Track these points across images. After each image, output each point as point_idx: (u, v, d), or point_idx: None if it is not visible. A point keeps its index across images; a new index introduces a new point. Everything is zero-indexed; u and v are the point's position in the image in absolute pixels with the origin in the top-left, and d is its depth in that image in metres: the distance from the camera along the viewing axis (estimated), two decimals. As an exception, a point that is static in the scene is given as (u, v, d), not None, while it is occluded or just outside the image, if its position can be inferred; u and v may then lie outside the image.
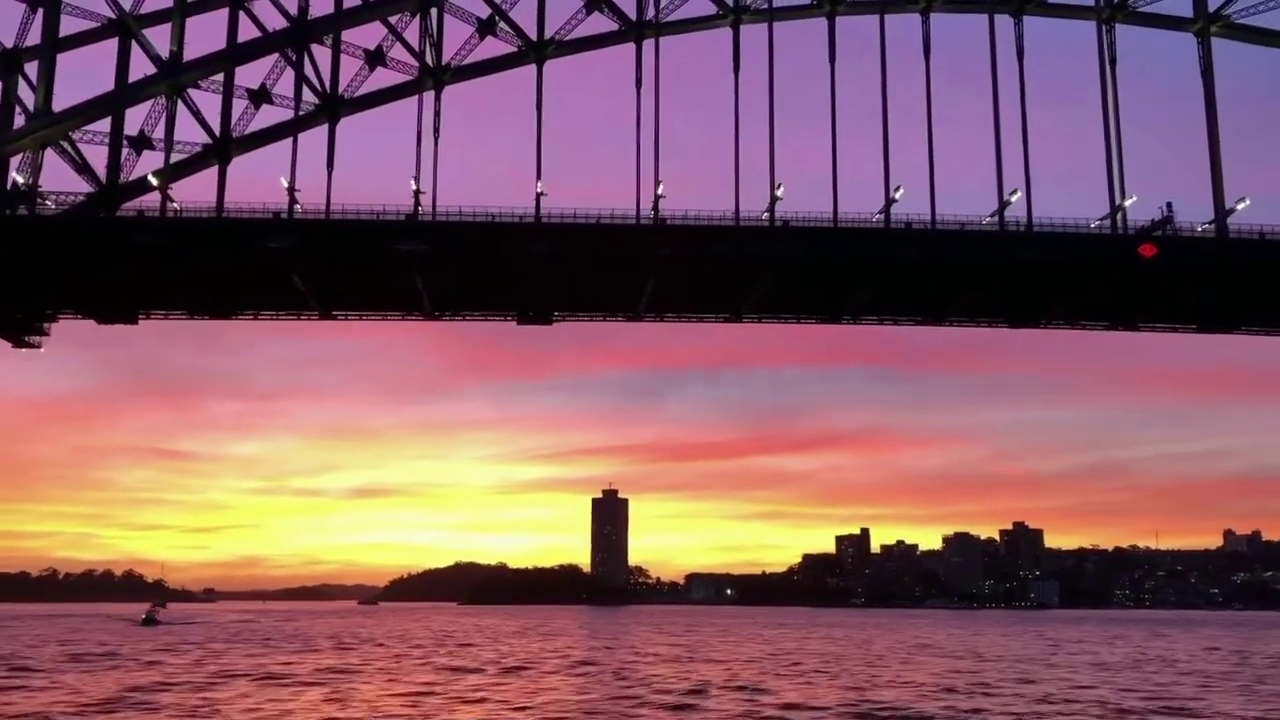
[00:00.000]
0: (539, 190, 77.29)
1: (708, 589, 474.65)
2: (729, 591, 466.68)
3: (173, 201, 77.93)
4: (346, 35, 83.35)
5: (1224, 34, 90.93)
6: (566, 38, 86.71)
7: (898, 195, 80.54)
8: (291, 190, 77.39)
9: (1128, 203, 79.44)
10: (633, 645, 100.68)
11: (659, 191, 79.06)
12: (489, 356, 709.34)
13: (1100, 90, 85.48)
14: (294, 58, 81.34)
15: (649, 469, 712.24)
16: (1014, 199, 79.75)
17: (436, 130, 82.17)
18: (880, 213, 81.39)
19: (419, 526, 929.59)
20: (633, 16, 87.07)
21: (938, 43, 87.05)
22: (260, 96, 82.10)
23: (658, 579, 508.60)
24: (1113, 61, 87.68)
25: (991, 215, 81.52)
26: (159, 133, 79.77)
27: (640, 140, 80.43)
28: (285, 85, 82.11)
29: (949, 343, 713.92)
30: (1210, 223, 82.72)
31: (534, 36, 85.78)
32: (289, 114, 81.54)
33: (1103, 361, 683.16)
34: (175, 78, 78.37)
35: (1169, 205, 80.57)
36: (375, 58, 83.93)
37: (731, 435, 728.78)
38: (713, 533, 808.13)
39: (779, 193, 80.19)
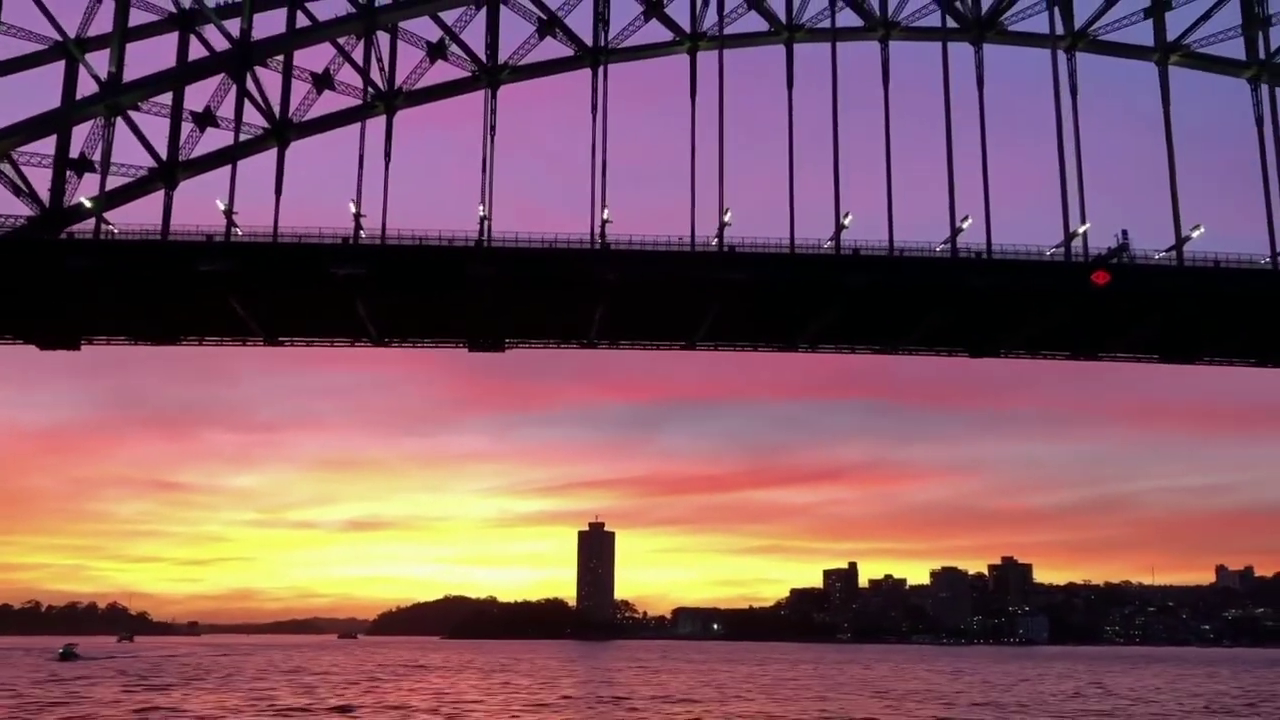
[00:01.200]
0: (481, 214, 76.22)
1: (694, 624, 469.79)
2: (715, 626, 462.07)
3: (109, 225, 76.68)
4: (296, 59, 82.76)
5: (1184, 63, 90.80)
6: (520, 62, 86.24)
7: (847, 221, 79.53)
8: (229, 213, 76.00)
9: (1082, 229, 78.47)
10: (559, 684, 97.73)
11: (605, 216, 77.98)
12: (489, 388, 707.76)
13: (1055, 118, 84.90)
14: (237, 81, 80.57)
15: (644, 502, 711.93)
16: (966, 225, 78.90)
17: (388, 154, 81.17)
18: (831, 239, 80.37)
19: (414, 560, 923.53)
20: (589, 42, 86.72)
21: (899, 70, 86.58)
22: (205, 120, 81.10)
23: (645, 613, 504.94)
24: (1073, 90, 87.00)
25: (944, 242, 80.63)
26: (101, 155, 78.81)
27: (595, 165, 79.95)
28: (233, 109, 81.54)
29: (943, 376, 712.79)
30: (1169, 250, 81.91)
31: (487, 61, 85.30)
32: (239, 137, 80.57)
33: (1100, 396, 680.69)
34: (114, 99, 77.21)
35: (1124, 233, 79.78)
36: (323, 81, 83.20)
37: (726, 469, 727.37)
38: (704, 567, 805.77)
39: (727, 219, 79.07)
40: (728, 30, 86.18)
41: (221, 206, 74.72)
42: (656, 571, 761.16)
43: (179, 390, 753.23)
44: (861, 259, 77.69)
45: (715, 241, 79.46)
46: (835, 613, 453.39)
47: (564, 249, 75.27)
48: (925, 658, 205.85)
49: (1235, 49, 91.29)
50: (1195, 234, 79.03)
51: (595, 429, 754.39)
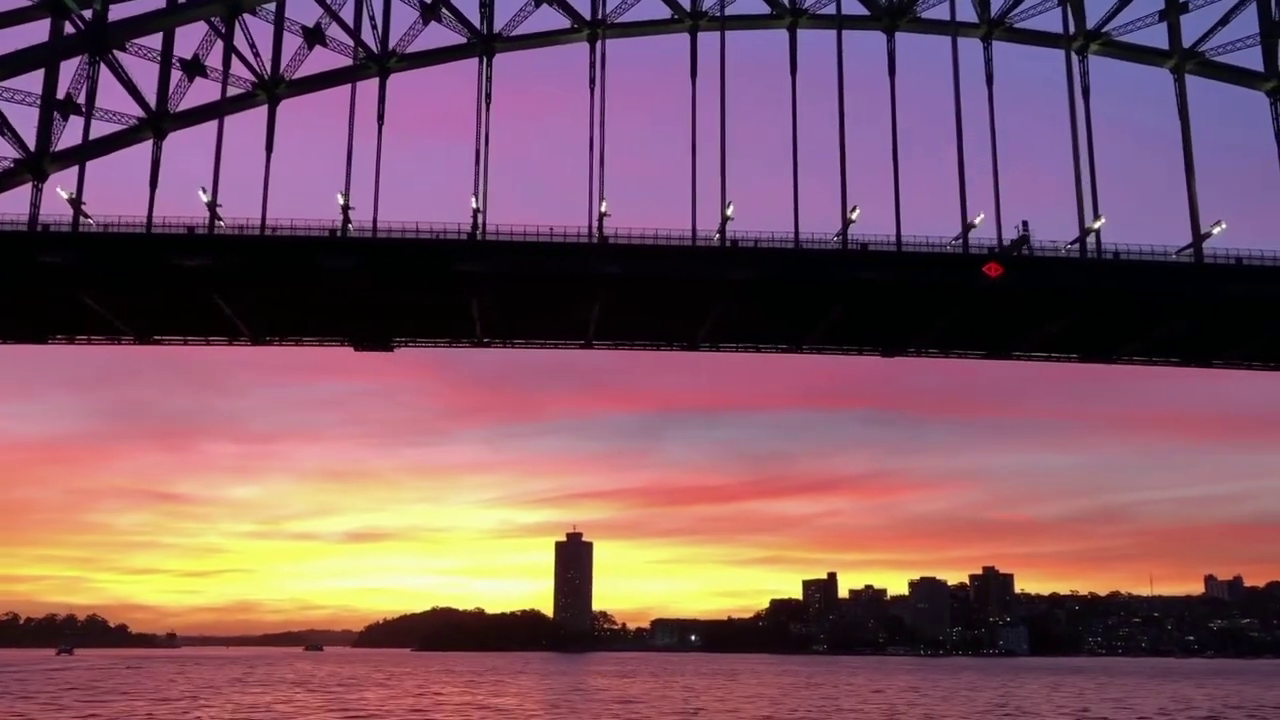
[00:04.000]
0: (341, 203, 72.27)
1: (672, 636, 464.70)
2: (693, 638, 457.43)
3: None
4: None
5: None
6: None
7: (854, 216, 75.09)
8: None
9: (976, 220, 74.64)
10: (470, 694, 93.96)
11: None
12: (488, 399, 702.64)
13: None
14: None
15: (641, 513, 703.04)
16: (855, 216, 74.88)
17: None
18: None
19: (413, 571, 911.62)
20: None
21: (905, 63, 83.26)
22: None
23: (623, 625, 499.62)
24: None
25: (956, 239, 76.03)
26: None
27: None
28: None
29: (946, 385, 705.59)
30: (1073, 243, 78.26)
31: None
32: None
33: (1101, 405, 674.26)
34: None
35: (1024, 224, 76.00)
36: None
37: (723, 480, 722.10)
38: (699, 579, 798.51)
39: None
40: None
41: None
42: (646, 583, 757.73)
43: (177, 401, 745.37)
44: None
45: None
46: (813, 624, 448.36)
47: (428, 240, 71.30)
48: (884, 669, 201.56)
49: (1153, 37, 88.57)
50: (1098, 224, 75.28)
51: (594, 439, 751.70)
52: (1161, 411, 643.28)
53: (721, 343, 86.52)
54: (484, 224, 75.10)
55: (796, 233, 76.23)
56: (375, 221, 74.53)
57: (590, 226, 74.78)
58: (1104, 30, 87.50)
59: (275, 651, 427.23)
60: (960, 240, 75.70)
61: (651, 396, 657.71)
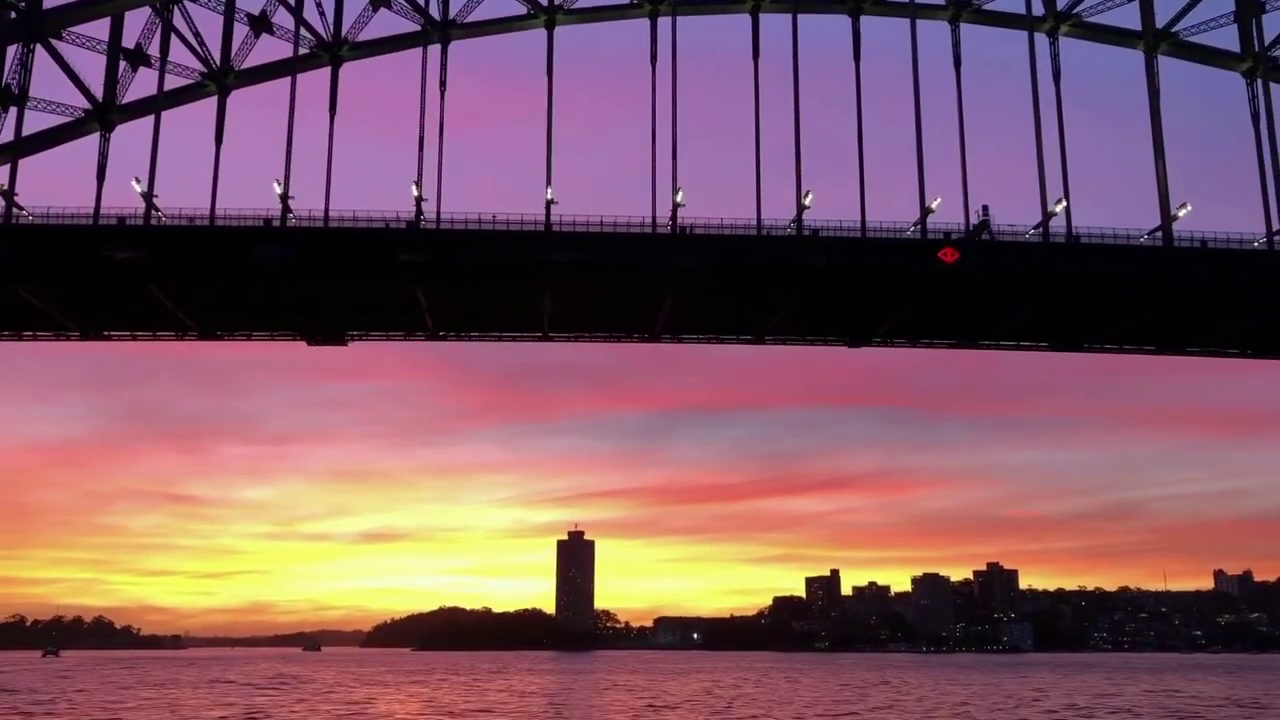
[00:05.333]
0: (280, 191, 70.62)
1: (674, 634, 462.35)
2: (695, 636, 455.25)
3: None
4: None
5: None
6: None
7: (808, 201, 73.41)
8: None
9: (934, 204, 72.56)
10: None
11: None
12: (500, 399, 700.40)
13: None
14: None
15: (653, 511, 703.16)
16: (809, 201, 72.95)
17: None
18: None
19: (427, 571, 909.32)
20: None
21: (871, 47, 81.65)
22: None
23: (626, 623, 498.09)
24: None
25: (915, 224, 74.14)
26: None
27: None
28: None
29: (955, 382, 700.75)
30: (1036, 227, 76.13)
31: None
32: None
33: (1113, 400, 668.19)
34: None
35: (984, 208, 73.95)
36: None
37: (728, 479, 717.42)
38: (700, 576, 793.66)
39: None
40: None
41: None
42: (657, 581, 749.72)
43: (191, 403, 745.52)
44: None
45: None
46: (815, 621, 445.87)
47: (368, 229, 69.67)
48: (872, 666, 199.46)
49: (1123, 17, 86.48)
50: (1058, 208, 73.15)
51: (606, 438, 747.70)
52: (1175, 407, 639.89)
53: (682, 333, 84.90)
54: (439, 212, 73.64)
55: (759, 219, 74.41)
56: (327, 212, 73.23)
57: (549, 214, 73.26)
58: (1075, 11, 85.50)
59: (274, 652, 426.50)
60: (918, 226, 73.76)
61: (664, 395, 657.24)
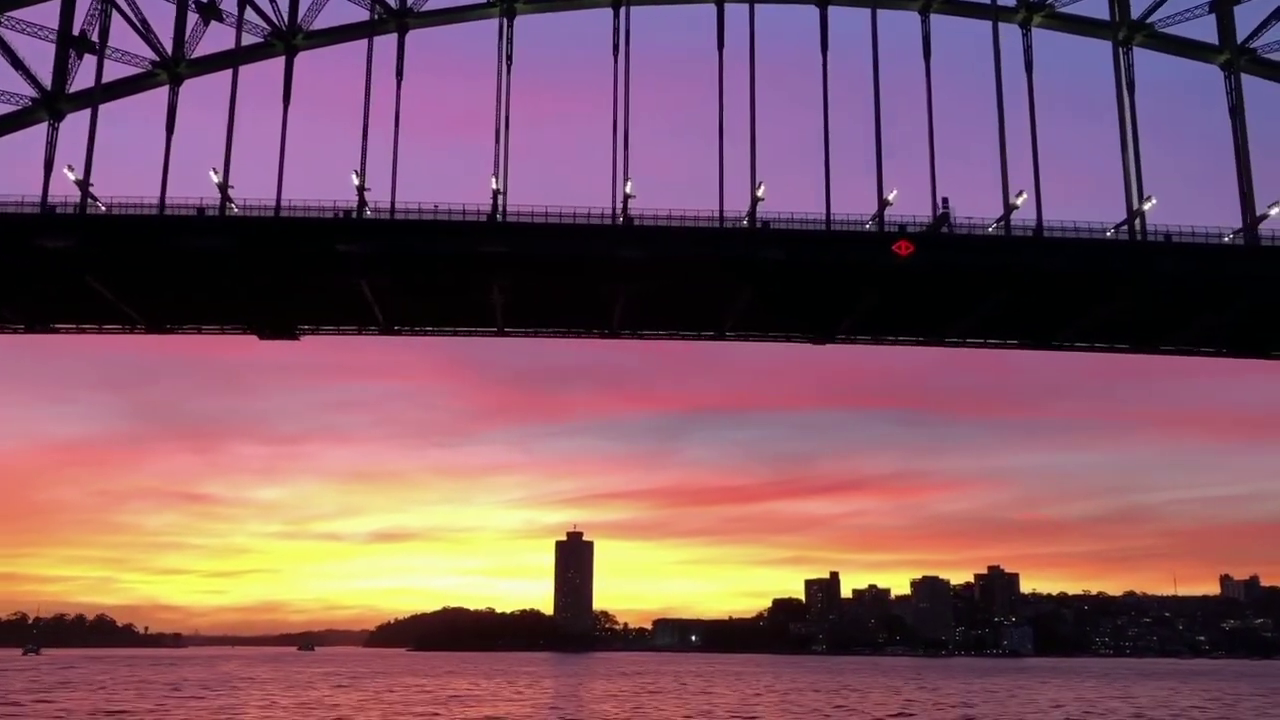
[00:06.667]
0: (217, 181, 69.09)
1: (673, 635, 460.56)
2: (694, 638, 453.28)
3: None
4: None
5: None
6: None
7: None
8: (84, 185, 68.94)
9: (890, 196, 70.52)
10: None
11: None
12: (513, 399, 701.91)
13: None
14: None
15: (662, 514, 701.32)
16: (766, 195, 71.04)
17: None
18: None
19: (438, 571, 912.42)
20: (393, 4, 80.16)
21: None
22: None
23: (625, 625, 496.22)
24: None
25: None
26: None
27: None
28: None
29: (968, 385, 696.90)
30: (999, 220, 74.10)
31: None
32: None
33: (1129, 404, 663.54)
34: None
35: (944, 201, 71.93)
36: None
37: (738, 481, 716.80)
38: (707, 579, 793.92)
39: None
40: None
41: (72, 177, 68.22)
42: (664, 584, 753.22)
43: (204, 403, 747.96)
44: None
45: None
46: (813, 623, 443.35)
47: (304, 219, 68.11)
48: (857, 669, 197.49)
49: (1092, 8, 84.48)
50: (1019, 200, 71.10)
51: (618, 439, 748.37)
52: (1188, 410, 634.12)
53: (641, 328, 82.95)
54: (393, 203, 71.92)
55: (721, 211, 72.37)
56: (279, 202, 71.62)
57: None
58: (1047, 2, 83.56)
59: (268, 651, 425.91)
60: (876, 219, 71.88)
61: (679, 397, 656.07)
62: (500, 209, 70.34)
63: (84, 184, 68.49)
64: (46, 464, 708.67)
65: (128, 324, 78.45)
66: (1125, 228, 74.84)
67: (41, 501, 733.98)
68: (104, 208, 70.07)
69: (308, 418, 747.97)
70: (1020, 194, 71.00)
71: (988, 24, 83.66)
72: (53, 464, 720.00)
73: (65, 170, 67.67)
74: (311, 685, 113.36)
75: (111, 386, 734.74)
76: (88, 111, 73.89)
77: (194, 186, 72.42)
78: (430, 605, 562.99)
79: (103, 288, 70.54)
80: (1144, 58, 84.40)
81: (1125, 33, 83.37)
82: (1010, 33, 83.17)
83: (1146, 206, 71.74)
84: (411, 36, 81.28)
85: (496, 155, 71.47)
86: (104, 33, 73.31)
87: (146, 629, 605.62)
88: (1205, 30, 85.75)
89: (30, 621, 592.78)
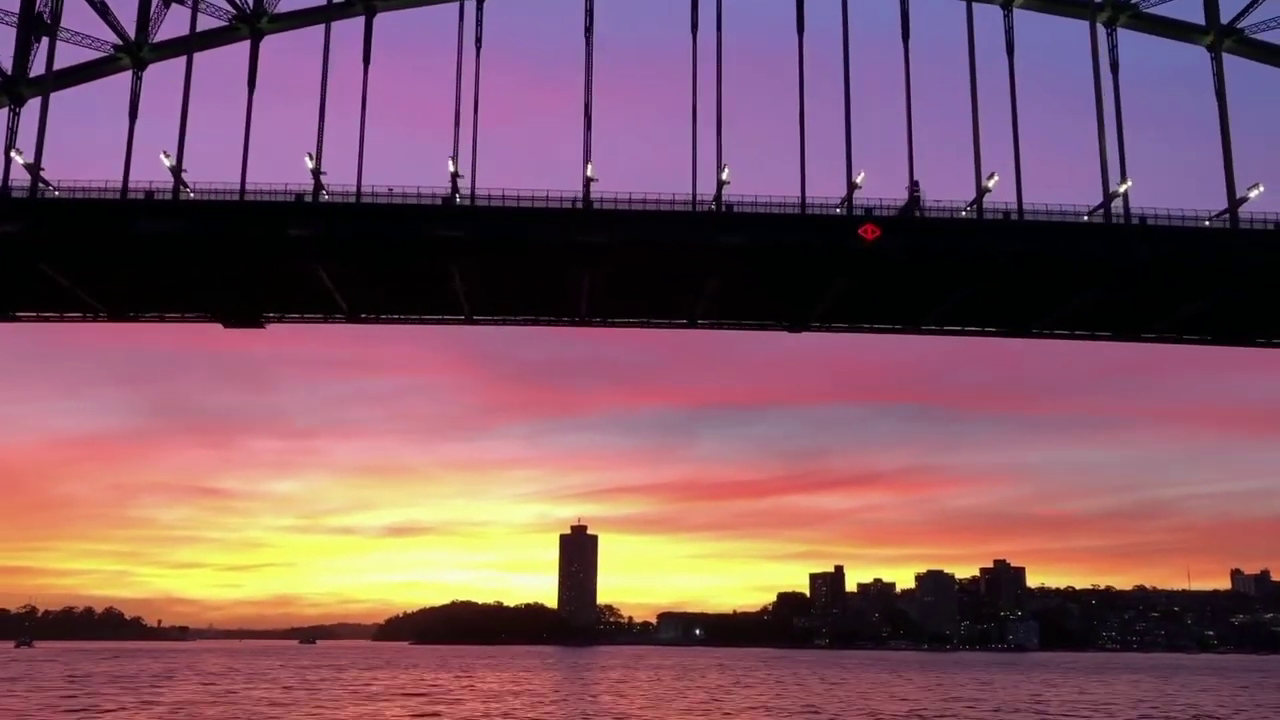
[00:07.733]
0: (169, 164, 67.72)
1: (676, 629, 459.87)
2: (698, 632, 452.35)
3: None
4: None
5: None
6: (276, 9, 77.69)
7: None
8: (34, 169, 67.50)
9: (858, 178, 68.66)
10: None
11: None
12: (526, 394, 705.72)
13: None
14: None
15: (678, 508, 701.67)
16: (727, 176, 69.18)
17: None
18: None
19: (448, 565, 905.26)
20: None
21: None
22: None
23: (629, 618, 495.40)
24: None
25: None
26: None
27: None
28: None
29: (981, 380, 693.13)
30: (971, 204, 72.18)
31: None
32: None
33: (1141, 398, 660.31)
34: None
35: (915, 184, 69.99)
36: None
37: (749, 476, 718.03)
38: (717, 573, 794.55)
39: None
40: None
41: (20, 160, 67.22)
42: (674, 578, 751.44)
43: (219, 397, 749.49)
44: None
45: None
46: (817, 617, 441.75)
47: (255, 203, 66.66)
48: (851, 665, 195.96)
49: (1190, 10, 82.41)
50: (991, 183, 69.21)
51: (632, 434, 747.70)
52: (1202, 405, 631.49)
53: (610, 316, 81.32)
54: (358, 187, 70.45)
55: (694, 195, 70.60)
56: (243, 186, 70.19)
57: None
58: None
59: (270, 645, 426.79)
60: (844, 202, 70.10)
61: (692, 391, 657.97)
62: (459, 192, 68.76)
63: (34, 168, 67.29)
64: (60, 459, 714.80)
65: (89, 312, 77.20)
66: (1101, 211, 73.02)
67: (56, 496, 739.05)
68: (55, 192, 68.78)
69: (321, 412, 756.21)
70: (993, 176, 69.13)
71: (967, 5, 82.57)
72: (66, 459, 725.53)
73: (14, 154, 66.33)
74: (260, 677, 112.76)
75: (125, 381, 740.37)
76: (51, 96, 73.31)
77: (160, 172, 71.33)
78: (440, 599, 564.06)
79: (57, 274, 69.28)
80: (1129, 41, 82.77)
81: (1110, 13, 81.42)
82: (992, 14, 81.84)
83: (1123, 189, 69.69)
84: (379, 20, 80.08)
85: (456, 138, 69.84)
86: (55, 15, 71.77)
87: (160, 621, 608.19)
88: (1191, 11, 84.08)
89: (34, 613, 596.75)
